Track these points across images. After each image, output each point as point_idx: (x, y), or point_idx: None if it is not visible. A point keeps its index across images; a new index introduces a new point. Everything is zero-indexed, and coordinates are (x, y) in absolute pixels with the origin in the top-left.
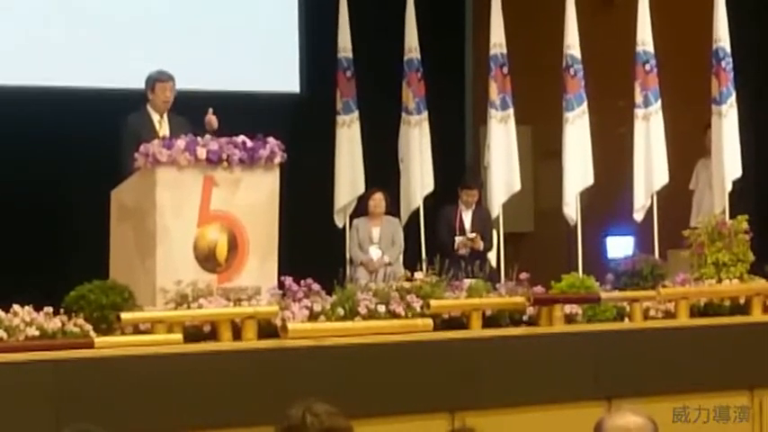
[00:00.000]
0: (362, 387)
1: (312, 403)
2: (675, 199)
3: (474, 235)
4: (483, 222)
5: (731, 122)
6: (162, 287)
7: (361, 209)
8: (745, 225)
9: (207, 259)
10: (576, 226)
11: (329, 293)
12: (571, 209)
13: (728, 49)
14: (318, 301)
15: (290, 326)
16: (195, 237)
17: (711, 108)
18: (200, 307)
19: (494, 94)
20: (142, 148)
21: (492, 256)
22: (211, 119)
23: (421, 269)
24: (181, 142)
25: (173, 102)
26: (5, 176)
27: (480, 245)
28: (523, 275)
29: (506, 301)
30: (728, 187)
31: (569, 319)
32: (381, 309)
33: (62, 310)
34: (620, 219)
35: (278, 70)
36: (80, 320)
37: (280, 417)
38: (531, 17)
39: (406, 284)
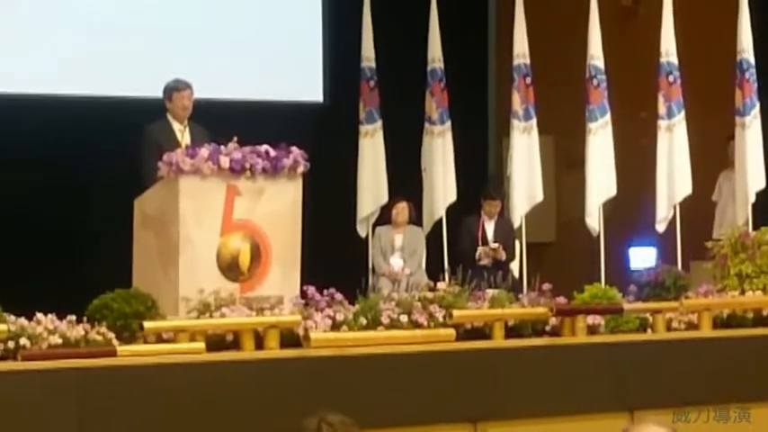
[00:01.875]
0: (385, 397)
1: (326, 413)
2: (698, 210)
3: (496, 245)
4: (505, 233)
5: (755, 134)
6: (184, 296)
7: (384, 218)
8: None
9: (230, 268)
10: (598, 237)
11: (352, 303)
12: (594, 219)
13: (752, 61)
14: (341, 310)
15: (312, 335)
16: (218, 246)
17: (735, 119)
18: (222, 316)
19: (517, 104)
20: (165, 156)
21: (514, 266)
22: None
23: (443, 279)
24: (204, 151)
25: (192, 110)
26: (28, 185)
27: (503, 255)
28: (546, 286)
29: (529, 312)
30: (752, 198)
31: (592, 329)
32: (404, 319)
33: (85, 319)
34: (643, 230)
35: (301, 80)
36: (103, 329)
37: (296, 427)
38: (555, 28)
39: (429, 294)
